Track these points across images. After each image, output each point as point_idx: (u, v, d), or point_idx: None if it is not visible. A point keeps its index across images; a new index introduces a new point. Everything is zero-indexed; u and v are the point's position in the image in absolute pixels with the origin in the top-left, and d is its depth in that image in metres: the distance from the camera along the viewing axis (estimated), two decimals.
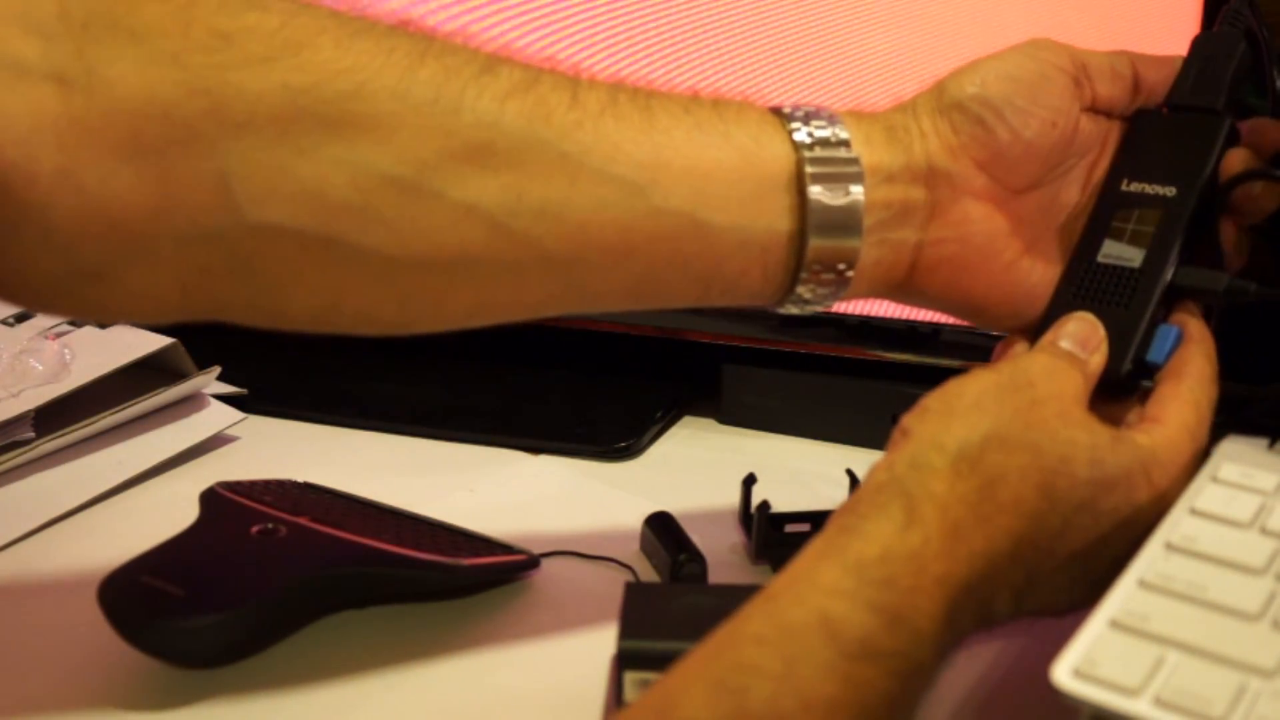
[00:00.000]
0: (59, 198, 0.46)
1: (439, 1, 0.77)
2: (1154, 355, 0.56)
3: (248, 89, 0.47)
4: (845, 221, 0.54)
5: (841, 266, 0.55)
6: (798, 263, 0.55)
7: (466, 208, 0.50)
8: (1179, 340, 0.56)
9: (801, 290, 0.56)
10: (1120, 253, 0.57)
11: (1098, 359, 0.54)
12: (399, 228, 0.49)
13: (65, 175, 0.45)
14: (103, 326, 0.80)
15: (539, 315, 0.55)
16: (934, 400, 0.51)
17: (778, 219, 0.54)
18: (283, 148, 0.47)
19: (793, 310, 0.57)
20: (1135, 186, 0.58)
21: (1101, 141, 0.59)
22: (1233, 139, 0.58)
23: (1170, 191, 0.57)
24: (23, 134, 0.45)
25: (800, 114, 0.56)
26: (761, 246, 0.54)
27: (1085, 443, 0.50)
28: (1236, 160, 0.58)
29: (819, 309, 0.57)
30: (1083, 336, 0.54)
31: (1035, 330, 0.57)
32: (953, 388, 0.51)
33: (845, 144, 0.55)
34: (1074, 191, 0.59)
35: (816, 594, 0.45)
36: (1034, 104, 0.56)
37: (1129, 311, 0.56)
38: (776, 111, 0.56)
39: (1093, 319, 0.55)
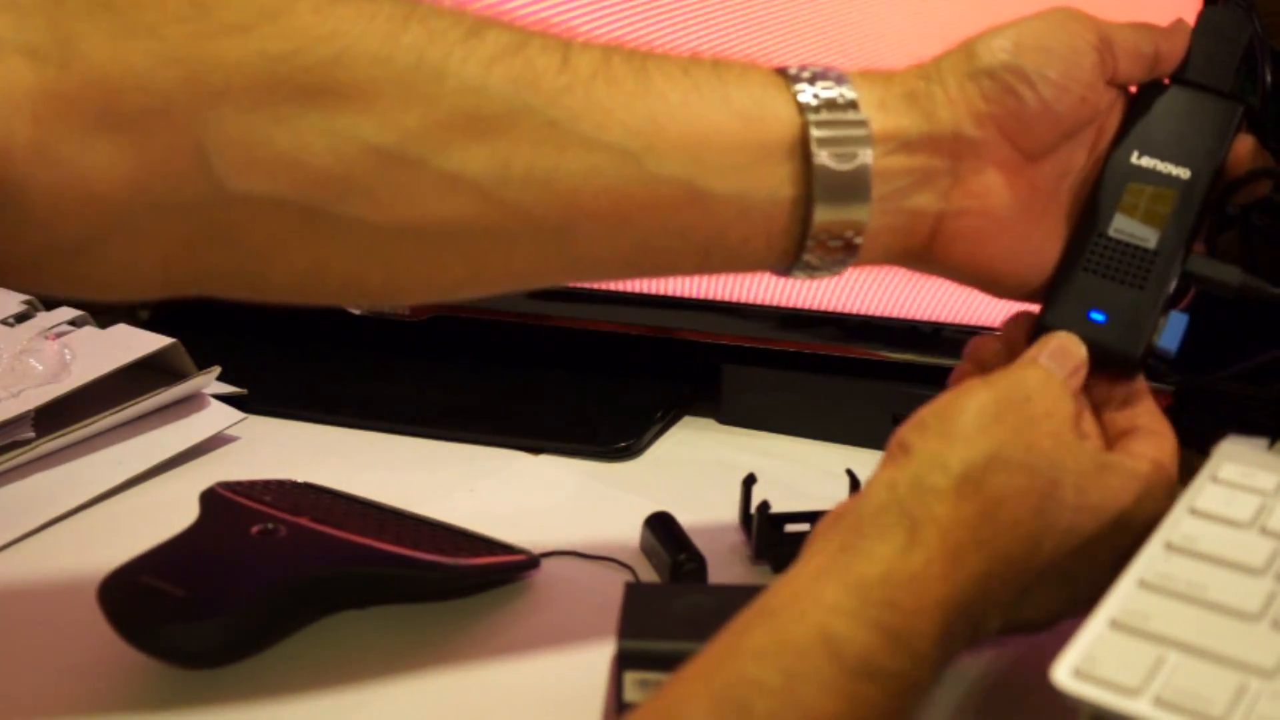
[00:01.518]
0: (35, 172, 0.45)
1: None
2: (1166, 342, 0.55)
3: (224, 58, 0.46)
4: (853, 188, 0.52)
5: (849, 234, 0.53)
6: (803, 230, 0.53)
7: (452, 177, 0.49)
8: (1188, 329, 0.56)
9: (809, 258, 0.54)
10: (1134, 230, 0.57)
11: (1075, 382, 0.54)
12: (382, 197, 0.48)
13: (41, 149, 0.45)
14: (102, 326, 0.80)
15: (534, 285, 0.54)
16: (932, 416, 0.51)
17: (781, 186, 0.52)
18: (261, 116, 0.46)
19: (801, 276, 0.55)
20: (1148, 162, 0.57)
21: (1110, 107, 0.58)
22: (1240, 124, 0.58)
23: (1185, 173, 0.57)
24: None
25: (807, 74, 0.53)
26: (764, 215, 0.53)
27: (1072, 468, 0.50)
28: (1244, 149, 0.58)
29: (830, 275, 0.56)
30: (1063, 356, 0.54)
31: (1042, 297, 0.57)
32: (951, 403, 0.51)
33: (853, 105, 0.53)
34: (1081, 156, 0.58)
35: (818, 611, 0.45)
36: (1066, 77, 0.55)
37: (1145, 294, 0.56)
38: (782, 72, 0.54)
39: (1076, 339, 0.55)
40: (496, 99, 0.49)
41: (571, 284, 0.54)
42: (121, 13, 0.46)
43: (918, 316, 0.76)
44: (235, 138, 0.46)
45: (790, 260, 0.54)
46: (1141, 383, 0.56)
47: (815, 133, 0.52)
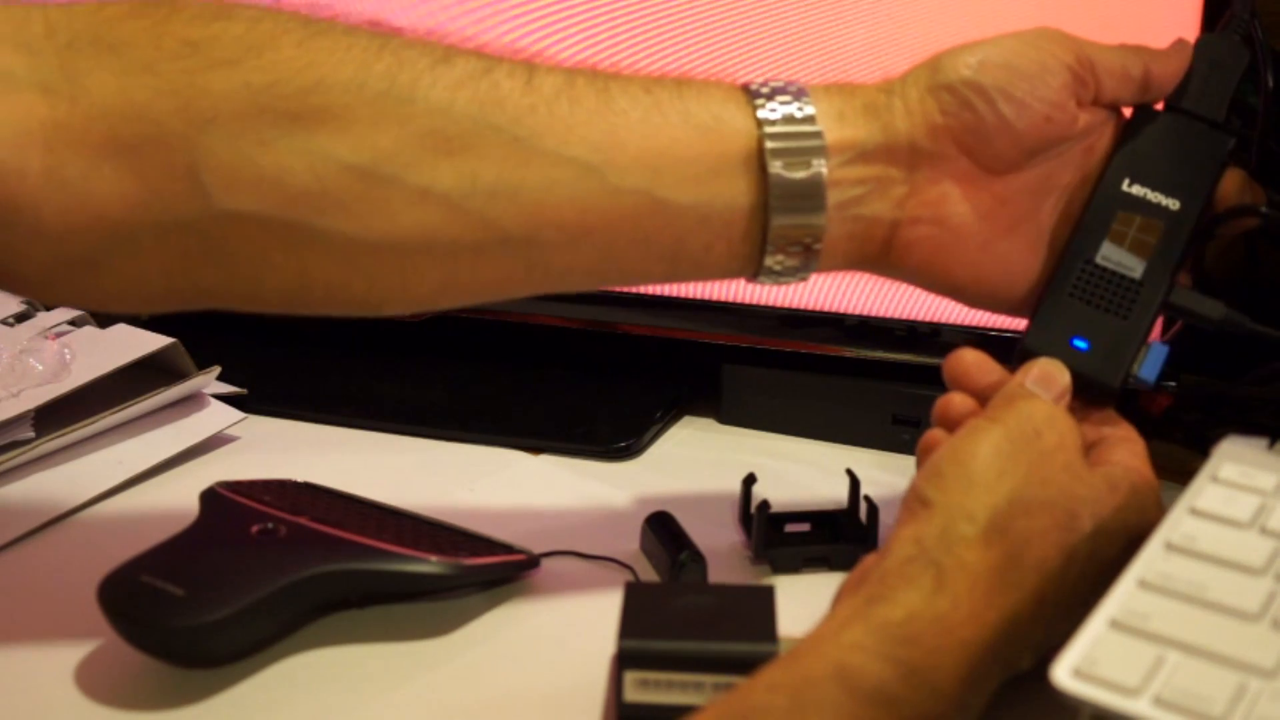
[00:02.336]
0: (47, 194, 0.49)
1: (439, 3, 0.77)
2: (1145, 372, 0.56)
3: (213, 89, 0.50)
4: (807, 196, 0.55)
5: (808, 240, 0.55)
6: (762, 237, 0.55)
7: (421, 191, 0.52)
8: (1168, 360, 0.56)
9: (770, 263, 0.56)
10: (1121, 259, 0.57)
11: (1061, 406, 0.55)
12: (357, 211, 0.52)
13: (51, 173, 0.49)
14: (102, 326, 0.80)
15: (508, 295, 0.57)
16: (948, 464, 0.51)
17: (738, 195, 0.55)
18: (246, 140, 0.50)
19: (768, 282, 0.57)
20: (1138, 190, 0.58)
21: (1100, 127, 0.59)
22: (1231, 155, 0.58)
23: (1174, 204, 0.57)
24: (11, 137, 0.49)
25: (767, 89, 0.56)
26: (723, 222, 0.55)
27: (1088, 497, 0.51)
28: (1233, 183, 0.58)
29: (794, 281, 0.57)
30: (1047, 383, 0.55)
31: (1030, 315, 0.57)
32: (964, 448, 0.51)
33: (810, 119, 0.55)
34: (1067, 175, 0.58)
35: (837, 649, 0.45)
36: (1030, 96, 0.55)
37: (1128, 323, 0.56)
38: (745, 88, 0.56)
39: (1060, 365, 0.55)
40: (463, 119, 0.52)
41: (545, 294, 0.56)
42: (123, 53, 0.50)
43: (918, 316, 0.76)
44: (224, 160, 0.50)
45: (755, 266, 0.57)
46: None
47: (770, 144, 0.55)
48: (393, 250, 0.53)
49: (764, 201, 0.55)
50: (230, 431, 0.79)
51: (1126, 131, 0.59)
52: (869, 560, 0.51)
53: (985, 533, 0.49)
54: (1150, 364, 0.56)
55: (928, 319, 0.75)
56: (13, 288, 0.54)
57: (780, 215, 0.55)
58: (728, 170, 0.55)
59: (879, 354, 0.77)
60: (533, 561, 0.64)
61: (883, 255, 0.58)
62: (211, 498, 0.64)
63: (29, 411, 0.72)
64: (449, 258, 0.54)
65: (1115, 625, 0.45)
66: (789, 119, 0.55)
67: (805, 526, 0.66)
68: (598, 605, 0.60)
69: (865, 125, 0.56)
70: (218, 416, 0.79)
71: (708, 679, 0.52)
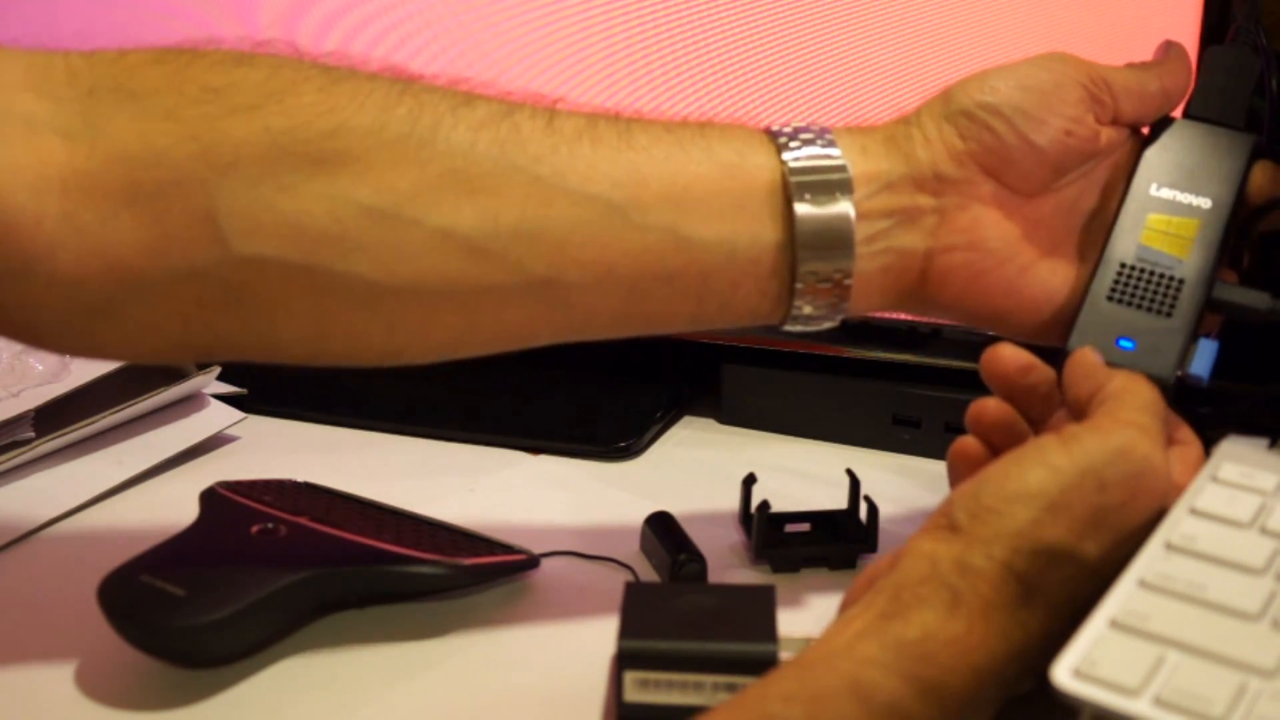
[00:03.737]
0: (64, 240, 0.49)
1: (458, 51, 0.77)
2: (1197, 369, 0.55)
3: (233, 134, 0.50)
4: (834, 229, 0.54)
5: (837, 276, 0.55)
6: (791, 274, 0.55)
7: (443, 233, 0.52)
8: (1218, 355, 0.55)
9: (800, 303, 0.56)
10: (1157, 259, 0.56)
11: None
12: (378, 255, 0.51)
13: (68, 219, 0.49)
14: None
15: (531, 343, 0.56)
16: (988, 492, 0.48)
17: (764, 230, 0.54)
18: (266, 185, 0.50)
19: (798, 329, 0.57)
20: (1167, 193, 0.57)
21: (1124, 144, 0.59)
22: (1256, 153, 0.58)
23: (1205, 203, 0.57)
24: (30, 181, 0.48)
25: (789, 130, 0.56)
26: (750, 258, 0.55)
27: (1129, 553, 0.48)
28: (1264, 176, 0.58)
29: (827, 325, 0.57)
30: (1154, 408, 0.50)
31: (1064, 329, 0.56)
32: (1012, 478, 0.48)
33: (833, 154, 0.55)
34: (1097, 194, 0.58)
35: (851, 664, 0.45)
36: (1047, 112, 0.56)
37: (1172, 321, 0.55)
38: (766, 129, 0.56)
39: (1155, 390, 0.52)
40: (484, 160, 0.52)
41: (570, 342, 0.56)
42: (144, 99, 0.50)
43: (917, 317, 0.75)
44: (243, 205, 0.50)
45: (785, 308, 0.56)
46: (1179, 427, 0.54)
47: (795, 179, 0.54)
48: (414, 294, 0.52)
49: (791, 238, 0.54)
50: (230, 431, 0.79)
51: (1147, 142, 0.59)
52: (881, 564, 0.50)
53: (1003, 572, 0.47)
54: (1201, 360, 0.55)
55: (928, 319, 0.75)
56: (28, 339, 0.53)
57: (808, 251, 0.54)
58: (753, 206, 0.54)
59: (879, 354, 0.77)
60: (533, 561, 0.64)
61: (920, 288, 0.57)
62: (211, 498, 0.64)
63: (29, 411, 0.72)
64: (470, 302, 0.53)
65: (1115, 625, 0.45)
66: (813, 155, 0.55)
67: (805, 526, 0.66)
68: (598, 605, 0.60)
69: (887, 157, 0.56)
70: (218, 416, 0.79)
71: (708, 679, 0.52)
